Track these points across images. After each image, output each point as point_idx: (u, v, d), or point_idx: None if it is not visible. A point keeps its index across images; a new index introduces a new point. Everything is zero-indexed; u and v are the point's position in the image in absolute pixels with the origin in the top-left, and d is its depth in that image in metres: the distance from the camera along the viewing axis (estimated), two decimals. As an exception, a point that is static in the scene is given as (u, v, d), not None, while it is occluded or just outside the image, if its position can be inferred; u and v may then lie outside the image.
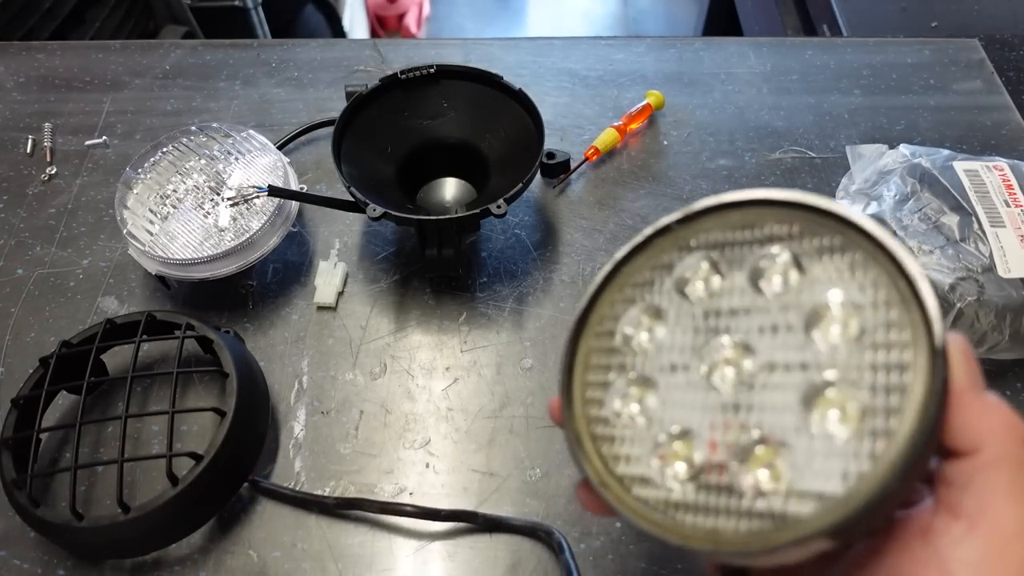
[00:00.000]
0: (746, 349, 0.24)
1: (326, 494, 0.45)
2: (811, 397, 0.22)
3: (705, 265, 0.26)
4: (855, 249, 0.23)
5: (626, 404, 0.25)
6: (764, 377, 0.23)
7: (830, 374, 0.22)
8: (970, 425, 0.21)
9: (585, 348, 0.27)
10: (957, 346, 0.22)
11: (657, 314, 0.26)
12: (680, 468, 0.23)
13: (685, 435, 0.24)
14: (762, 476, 0.22)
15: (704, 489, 0.23)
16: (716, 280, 0.25)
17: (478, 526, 0.44)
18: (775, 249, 0.24)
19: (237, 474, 0.43)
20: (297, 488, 0.45)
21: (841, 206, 0.23)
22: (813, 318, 0.23)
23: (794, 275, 0.24)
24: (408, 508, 0.43)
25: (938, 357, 0.20)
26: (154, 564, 0.43)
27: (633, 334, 0.26)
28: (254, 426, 0.45)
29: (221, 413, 0.42)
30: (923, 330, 0.21)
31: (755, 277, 0.25)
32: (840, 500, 0.20)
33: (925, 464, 0.21)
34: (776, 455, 0.22)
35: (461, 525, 0.44)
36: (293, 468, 0.46)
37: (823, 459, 0.21)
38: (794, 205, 0.24)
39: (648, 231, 0.27)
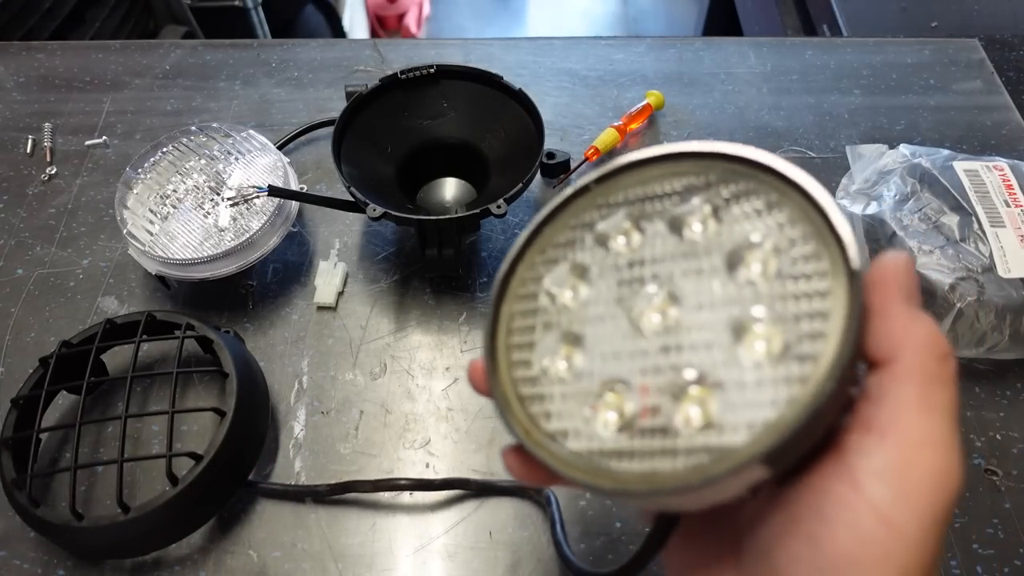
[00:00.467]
0: (671, 293, 0.24)
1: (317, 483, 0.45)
2: (739, 332, 0.22)
3: (626, 221, 0.26)
4: (770, 190, 0.23)
5: (553, 361, 0.25)
6: (691, 317, 0.23)
7: (755, 309, 0.22)
8: (891, 334, 0.22)
9: (508, 312, 0.27)
10: (895, 261, 0.23)
11: (581, 271, 0.26)
12: (611, 416, 0.23)
13: (616, 384, 0.24)
14: (696, 413, 0.22)
15: (638, 434, 0.23)
16: (637, 233, 0.25)
17: (461, 514, 0.44)
18: (695, 200, 0.25)
19: (237, 474, 0.43)
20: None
21: (754, 150, 0.23)
22: (735, 258, 0.23)
23: (713, 220, 0.24)
24: (402, 482, 0.44)
25: (855, 279, 0.21)
26: (154, 564, 0.43)
27: (557, 293, 0.26)
28: (254, 426, 0.45)
29: (221, 413, 0.42)
30: (839, 256, 0.22)
31: (675, 225, 0.25)
32: (771, 425, 0.21)
33: (849, 384, 0.22)
34: (708, 392, 0.22)
35: (456, 500, 0.44)
36: (293, 468, 0.46)
37: (754, 390, 0.21)
38: (709, 155, 0.25)
39: (567, 192, 0.27)
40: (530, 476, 0.26)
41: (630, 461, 0.22)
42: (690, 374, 0.22)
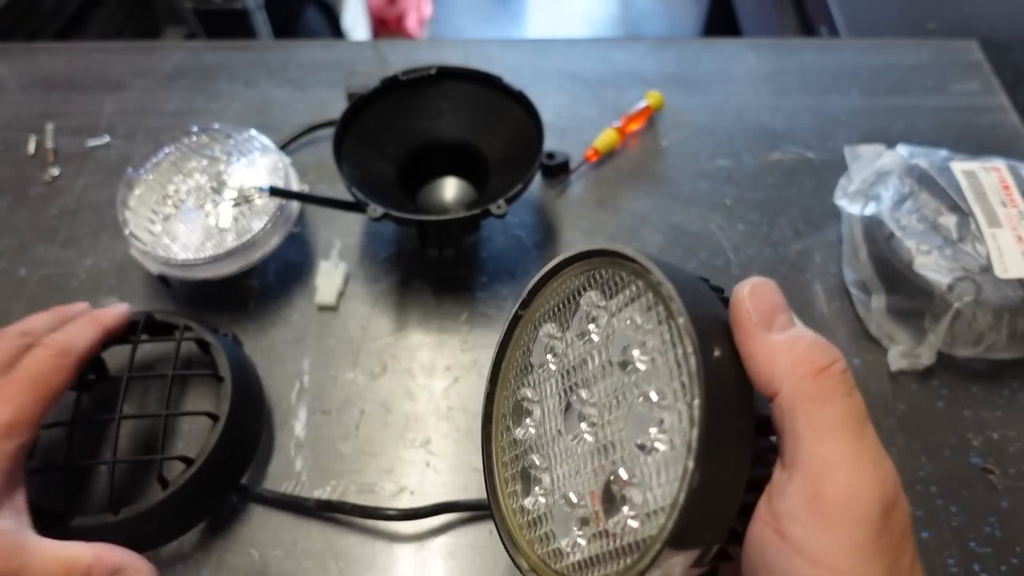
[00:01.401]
0: (591, 397, 0.25)
1: (309, 496, 0.45)
2: (641, 423, 0.23)
3: (548, 338, 0.28)
4: (628, 275, 0.25)
5: (533, 487, 0.27)
6: (607, 417, 0.24)
7: (650, 394, 0.23)
8: (761, 370, 0.21)
9: (497, 446, 0.29)
10: (739, 295, 0.22)
11: (532, 396, 0.28)
12: (576, 529, 0.24)
13: (573, 496, 0.25)
14: (625, 511, 0.23)
15: (594, 541, 0.23)
16: (559, 342, 0.28)
17: (462, 514, 0.44)
18: (585, 298, 0.26)
19: (229, 478, 0.43)
20: (298, 488, 0.45)
21: (612, 244, 0.25)
22: (625, 349, 0.24)
23: (605, 314, 0.26)
24: (390, 512, 0.43)
25: (687, 337, 0.21)
26: (155, 562, 0.43)
27: (523, 425, 0.28)
28: (248, 431, 0.44)
29: (214, 418, 0.42)
30: (676, 320, 0.22)
31: (581, 331, 0.26)
32: (668, 508, 0.21)
33: (736, 436, 0.21)
34: (631, 488, 0.22)
35: (454, 518, 0.44)
36: (294, 467, 0.46)
37: (657, 476, 0.21)
38: (585, 255, 0.26)
39: (504, 327, 0.30)
40: None
41: (592, 570, 0.23)
42: (612, 476, 0.23)
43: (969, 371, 0.50)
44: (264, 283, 0.55)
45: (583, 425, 0.25)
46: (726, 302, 0.24)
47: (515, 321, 0.29)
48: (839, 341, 0.51)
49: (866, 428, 0.21)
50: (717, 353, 0.21)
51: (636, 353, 0.24)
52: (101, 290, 0.55)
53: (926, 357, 0.48)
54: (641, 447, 0.22)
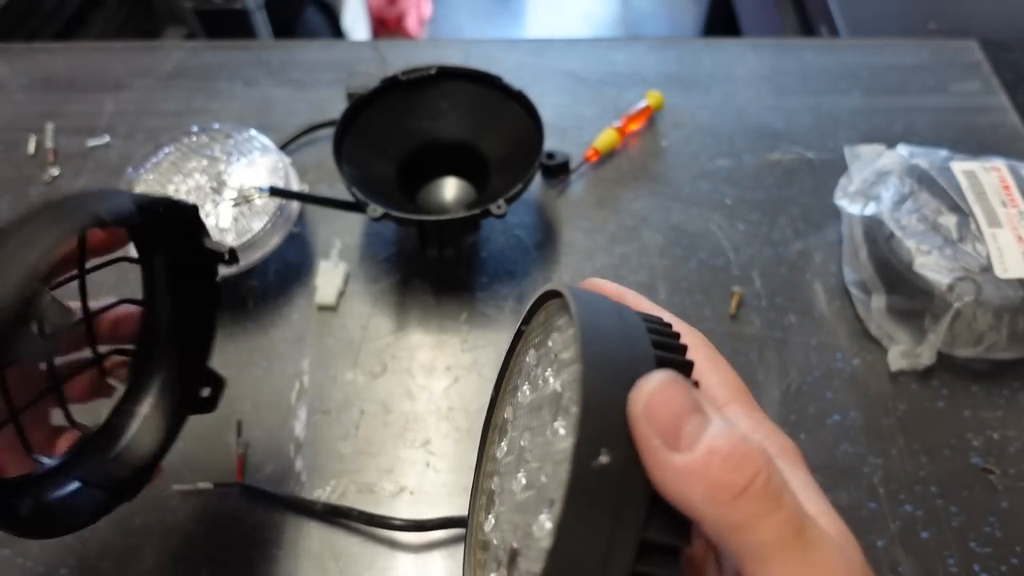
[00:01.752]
0: (531, 447, 0.23)
1: (315, 499, 0.45)
2: (542, 499, 0.21)
3: (529, 366, 0.26)
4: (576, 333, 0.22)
5: (490, 510, 0.25)
6: (533, 476, 0.22)
7: (542, 476, 0.21)
8: (677, 500, 0.18)
9: (486, 456, 0.28)
10: (636, 413, 0.18)
11: (511, 420, 0.27)
12: (494, 571, 0.23)
13: (497, 540, 0.24)
14: (523, 569, 0.21)
15: None
16: (534, 373, 0.25)
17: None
18: (552, 339, 0.24)
19: (188, 368, 0.37)
20: (298, 488, 0.45)
21: (559, 284, 0.23)
22: (557, 410, 0.22)
23: (557, 364, 0.23)
24: (395, 521, 0.43)
25: (581, 415, 0.18)
26: (152, 562, 0.43)
27: (499, 447, 0.27)
28: (186, 310, 0.38)
29: (138, 303, 0.35)
30: (573, 409, 0.19)
31: (544, 370, 0.24)
32: None
33: (591, 559, 0.18)
34: (522, 557, 0.21)
35: (456, 498, 0.44)
36: (294, 468, 0.46)
37: (538, 561, 0.19)
38: (554, 294, 0.24)
39: (511, 341, 0.28)
40: None
41: None
42: (511, 536, 0.22)
43: (969, 371, 0.50)
44: (264, 283, 0.55)
45: (521, 471, 0.23)
46: (684, 350, 0.21)
47: (518, 336, 0.28)
48: (839, 341, 0.51)
49: (807, 535, 0.18)
50: (603, 460, 0.18)
51: (561, 421, 0.21)
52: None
53: (926, 357, 0.48)
54: (540, 521, 0.20)
